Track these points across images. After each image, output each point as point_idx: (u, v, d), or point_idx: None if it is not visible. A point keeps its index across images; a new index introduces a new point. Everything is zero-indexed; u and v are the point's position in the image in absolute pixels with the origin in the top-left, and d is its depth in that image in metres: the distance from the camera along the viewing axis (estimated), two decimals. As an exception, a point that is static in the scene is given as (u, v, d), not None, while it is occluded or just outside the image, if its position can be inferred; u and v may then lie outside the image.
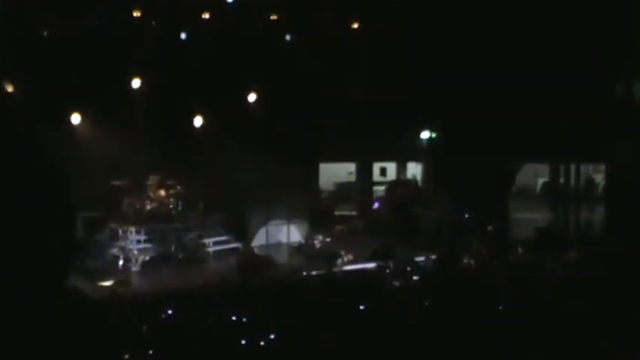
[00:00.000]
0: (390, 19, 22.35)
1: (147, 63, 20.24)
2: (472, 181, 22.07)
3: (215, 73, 20.82)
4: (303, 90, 21.81)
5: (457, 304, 12.76)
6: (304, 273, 17.69)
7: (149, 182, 20.91)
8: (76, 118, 20.45)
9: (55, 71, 18.78)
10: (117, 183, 20.56)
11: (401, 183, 25.95)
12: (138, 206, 20.66)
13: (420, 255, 18.74)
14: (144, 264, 19.26)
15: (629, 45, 20.42)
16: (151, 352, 10.98)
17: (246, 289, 14.94)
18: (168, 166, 20.85)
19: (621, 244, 18.24)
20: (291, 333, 11.51)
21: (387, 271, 17.34)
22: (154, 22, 21.00)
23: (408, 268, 17.26)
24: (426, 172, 26.42)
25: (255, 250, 20.89)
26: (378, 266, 17.92)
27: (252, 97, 22.40)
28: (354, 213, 25.37)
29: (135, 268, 19.06)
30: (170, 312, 12.49)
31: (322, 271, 17.73)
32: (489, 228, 21.27)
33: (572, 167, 23.18)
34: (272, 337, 11.30)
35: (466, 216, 21.93)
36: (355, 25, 23.06)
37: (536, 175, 27.53)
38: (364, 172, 26.75)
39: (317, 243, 21.33)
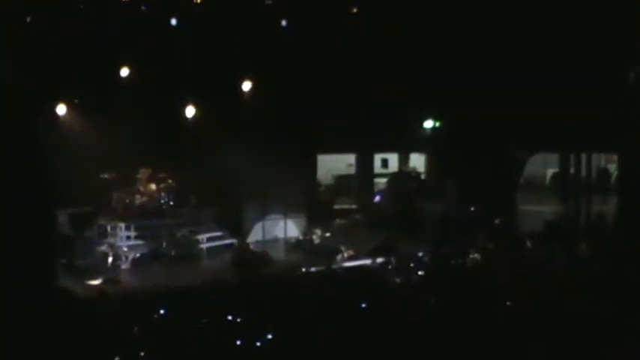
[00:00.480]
0: (391, 2, 22.32)
1: (136, 50, 20.19)
2: (478, 172, 22.08)
3: (208, 61, 20.78)
4: (299, 78, 21.77)
5: (463, 302, 12.77)
6: (302, 270, 17.70)
7: (139, 175, 20.90)
8: (61, 109, 20.43)
9: (38, 59, 18.73)
10: (105, 176, 20.56)
11: (403, 175, 25.93)
12: (128, 201, 20.66)
13: (424, 250, 18.73)
14: (134, 261, 19.24)
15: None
16: (142, 353, 10.99)
17: (241, 288, 14.96)
18: (160, 159, 20.83)
19: (635, 237, 18.26)
20: (289, 333, 11.53)
21: (390, 267, 17.35)
22: (143, 7, 20.96)
23: (412, 264, 17.26)
24: (429, 163, 26.42)
25: (251, 246, 20.89)
26: (380, 262, 17.93)
27: (246, 86, 22.37)
28: (354, 207, 25.35)
29: (125, 266, 19.04)
30: (162, 312, 12.49)
31: (321, 268, 17.75)
32: (496, 221, 21.27)
33: (584, 157, 23.16)
34: (269, 337, 11.31)
35: (472, 209, 21.94)
36: (354, 10, 23.02)
37: (545, 166, 27.55)
38: (365, 164, 26.74)
39: (315, 238, 21.33)
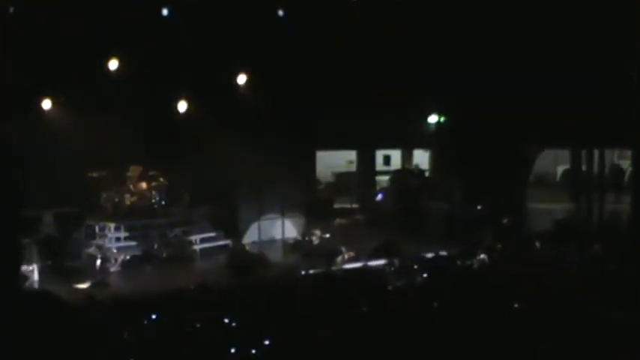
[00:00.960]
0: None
1: (125, 42, 20.14)
2: (485, 169, 22.07)
3: (201, 53, 20.75)
4: (297, 70, 21.74)
5: (469, 305, 12.74)
6: (301, 272, 17.66)
7: (129, 173, 20.84)
8: (46, 104, 20.39)
9: (22, 51, 18.69)
10: (94, 175, 20.49)
11: (407, 172, 25.95)
12: (117, 200, 20.61)
13: (429, 251, 18.71)
14: (124, 264, 19.22)
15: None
16: (132, 360, 10.97)
17: (237, 291, 14.91)
18: (151, 156, 20.79)
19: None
20: (287, 338, 11.50)
21: (392, 269, 17.33)
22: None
23: (415, 266, 17.23)
24: (434, 160, 26.43)
25: (247, 248, 20.87)
26: (383, 264, 17.91)
27: (242, 79, 22.34)
28: (355, 206, 25.39)
29: (114, 269, 19.01)
30: (154, 317, 12.47)
31: (321, 270, 17.72)
32: (505, 220, 21.26)
33: (596, 153, 23.15)
34: (266, 343, 11.29)
35: (478, 208, 21.92)
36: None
37: (556, 162, 27.58)
38: (366, 161, 26.77)
39: (314, 239, 21.31)
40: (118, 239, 19.81)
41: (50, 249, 18.51)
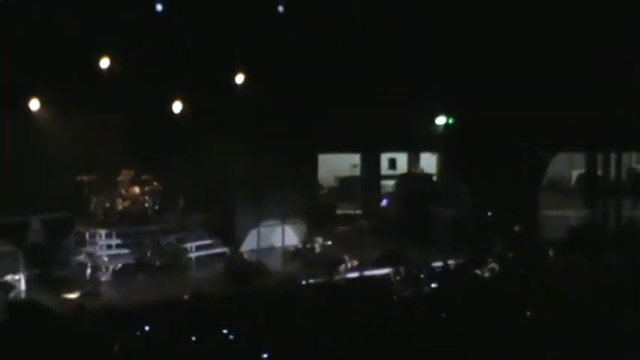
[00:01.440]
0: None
1: (117, 39, 20.15)
2: (495, 173, 22.06)
3: (197, 51, 20.76)
4: (298, 69, 21.75)
5: (480, 317, 12.72)
6: (302, 282, 17.65)
7: (121, 177, 20.84)
8: (34, 104, 20.38)
9: (8, 48, 18.69)
10: (84, 178, 20.50)
11: (413, 177, 25.94)
12: (108, 205, 20.61)
13: (436, 260, 18.70)
14: (115, 273, 19.21)
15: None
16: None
17: (234, 302, 14.90)
18: (143, 159, 20.81)
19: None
20: (287, 351, 11.48)
21: (398, 278, 17.32)
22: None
23: (422, 275, 17.22)
24: (442, 164, 26.41)
25: (245, 256, 20.87)
26: (387, 273, 17.89)
27: (240, 79, 22.34)
28: (358, 211, 25.37)
29: (105, 278, 19.01)
30: (147, 328, 12.46)
31: (323, 280, 17.70)
32: (516, 228, 21.24)
33: (612, 156, 23.16)
34: (265, 356, 11.28)
35: (488, 214, 21.91)
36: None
37: (570, 166, 27.56)
38: (370, 164, 26.73)
39: (316, 247, 21.33)
40: (109, 247, 19.83)
41: (38, 257, 18.51)
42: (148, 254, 19.87)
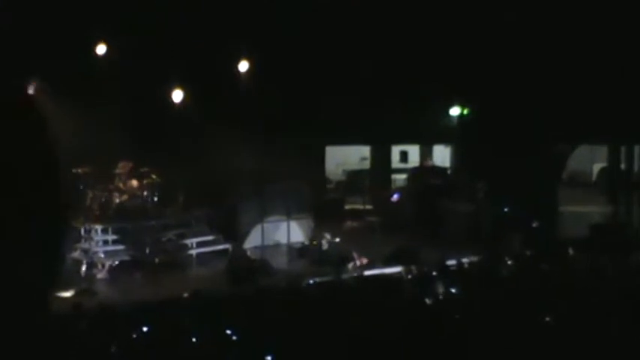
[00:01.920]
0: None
1: (115, 24, 20.14)
2: (513, 167, 22.00)
3: (198, 36, 20.73)
4: (304, 56, 21.71)
5: (495, 317, 12.69)
6: (308, 280, 17.65)
7: (118, 170, 20.86)
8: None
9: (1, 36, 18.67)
10: (78, 171, 20.50)
11: (426, 170, 25.90)
12: (104, 199, 20.63)
13: (450, 258, 18.67)
14: (112, 270, 19.24)
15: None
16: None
17: (237, 301, 14.89)
18: (142, 151, 20.80)
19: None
20: (293, 354, 11.46)
21: (410, 277, 17.30)
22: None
23: (435, 273, 17.20)
24: (456, 157, 26.38)
25: (248, 253, 20.84)
26: (399, 272, 17.88)
27: (243, 66, 22.31)
28: (368, 207, 25.35)
29: (101, 275, 19.04)
30: (145, 329, 12.45)
31: (330, 278, 17.70)
32: (534, 224, 21.20)
33: (636, 149, 23.11)
34: (268, 359, 11.26)
35: (506, 210, 21.87)
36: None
37: (592, 159, 27.52)
38: (381, 157, 26.72)
39: (323, 243, 21.25)
40: (105, 243, 19.85)
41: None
42: (147, 251, 19.85)
